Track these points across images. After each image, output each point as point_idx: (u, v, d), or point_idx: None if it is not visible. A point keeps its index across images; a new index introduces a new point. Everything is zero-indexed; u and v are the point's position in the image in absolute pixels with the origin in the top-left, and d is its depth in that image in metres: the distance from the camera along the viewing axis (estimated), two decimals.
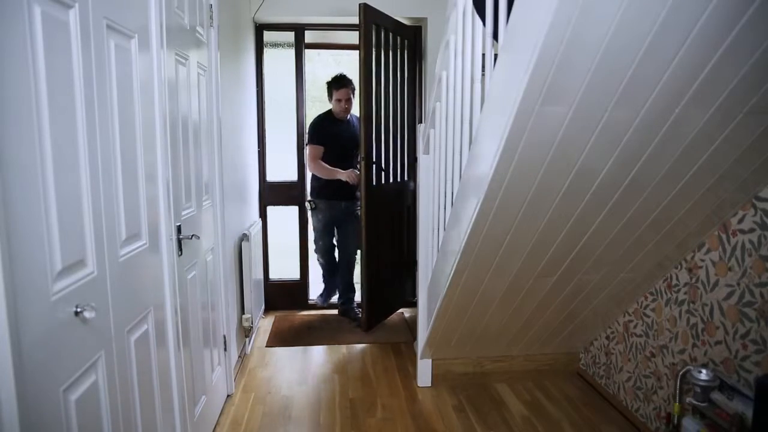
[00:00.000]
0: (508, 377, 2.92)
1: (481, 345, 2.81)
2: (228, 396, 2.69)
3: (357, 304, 3.89)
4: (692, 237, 2.05)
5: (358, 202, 3.77)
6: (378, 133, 3.40)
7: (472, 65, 1.98)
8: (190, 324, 2.01)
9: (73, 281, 1.15)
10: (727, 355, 1.91)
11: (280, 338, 3.52)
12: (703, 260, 2.05)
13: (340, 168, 3.64)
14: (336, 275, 3.92)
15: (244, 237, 3.21)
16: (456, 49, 2.10)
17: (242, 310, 3.21)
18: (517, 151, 1.61)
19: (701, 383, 1.84)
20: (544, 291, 2.41)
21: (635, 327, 2.49)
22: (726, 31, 1.29)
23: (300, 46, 3.91)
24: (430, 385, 2.86)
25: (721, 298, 1.95)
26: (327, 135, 3.66)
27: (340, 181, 3.63)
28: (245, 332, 3.24)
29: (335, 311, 3.97)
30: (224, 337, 2.60)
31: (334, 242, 3.89)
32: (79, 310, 1.14)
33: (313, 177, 3.76)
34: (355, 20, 3.24)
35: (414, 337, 3.29)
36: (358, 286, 4.00)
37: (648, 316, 2.40)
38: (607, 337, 2.73)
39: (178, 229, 1.87)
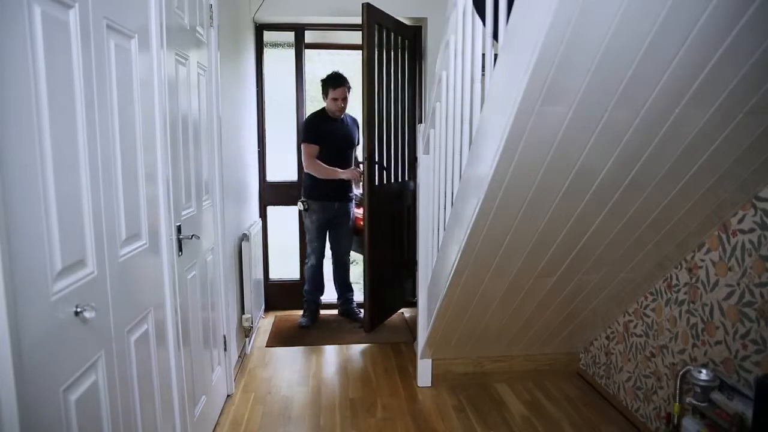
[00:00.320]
0: (508, 377, 2.92)
1: (481, 345, 2.81)
2: (228, 396, 2.69)
3: (357, 303, 3.89)
4: (692, 237, 2.05)
5: (351, 203, 3.77)
6: (379, 133, 3.39)
7: (472, 65, 1.98)
8: (190, 324, 2.01)
9: (73, 281, 1.15)
10: (727, 355, 1.91)
11: (280, 338, 3.52)
12: (703, 260, 2.05)
13: (335, 167, 3.56)
14: (320, 280, 3.82)
15: (244, 237, 3.21)
16: (456, 49, 2.10)
17: (242, 310, 3.21)
18: (517, 151, 1.61)
19: (701, 383, 1.84)
20: (544, 291, 2.41)
21: (635, 327, 2.49)
22: (726, 31, 1.29)
23: (300, 46, 3.91)
24: (430, 385, 2.86)
25: (721, 298, 1.95)
26: (322, 134, 3.56)
27: (333, 181, 3.55)
28: (245, 332, 3.24)
29: (335, 311, 3.96)
30: (224, 337, 2.60)
31: (328, 243, 3.83)
32: (79, 310, 1.14)
33: (306, 176, 3.64)
34: (355, 20, 3.24)
35: (414, 337, 3.29)
36: (355, 286, 4.01)
37: (648, 316, 2.40)
38: (607, 337, 2.73)
39: (178, 229, 1.87)
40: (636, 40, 1.30)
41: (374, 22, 3.21)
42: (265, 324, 3.77)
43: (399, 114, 3.62)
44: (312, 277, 3.77)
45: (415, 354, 3.01)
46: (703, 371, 1.85)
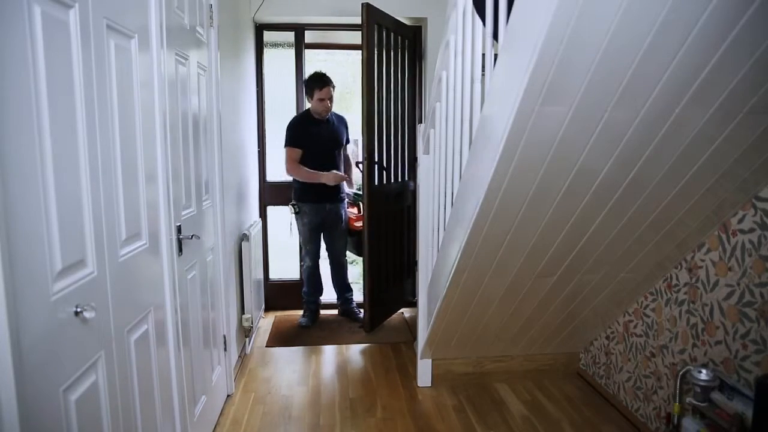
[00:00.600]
0: (508, 377, 2.92)
1: (481, 345, 2.81)
2: (228, 396, 2.69)
3: (357, 303, 3.89)
4: (692, 237, 2.05)
5: (343, 203, 3.76)
6: (379, 133, 3.39)
7: (472, 65, 1.98)
8: (190, 324, 2.01)
9: (73, 281, 1.15)
10: (727, 355, 1.91)
11: (280, 338, 3.52)
12: (703, 260, 2.05)
13: (322, 170, 3.51)
14: (317, 281, 3.82)
15: (244, 237, 3.21)
16: (456, 49, 2.10)
17: (242, 310, 3.21)
18: (517, 151, 1.61)
19: (701, 383, 1.83)
20: (544, 291, 2.41)
21: (635, 327, 2.49)
22: (726, 31, 1.29)
23: (300, 46, 3.91)
24: (430, 385, 2.86)
25: (721, 298, 1.95)
26: (306, 136, 3.52)
27: (323, 183, 3.53)
28: (245, 332, 3.24)
29: (335, 311, 3.96)
30: (224, 337, 2.60)
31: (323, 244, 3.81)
32: (79, 310, 1.14)
33: (295, 179, 3.61)
34: (355, 20, 3.24)
35: (414, 337, 3.29)
36: (355, 286, 4.00)
37: (648, 316, 2.40)
38: (607, 337, 2.73)
39: (178, 229, 1.87)
40: (636, 40, 1.30)
41: (374, 22, 3.21)
42: (265, 324, 3.77)
43: (399, 114, 3.62)
44: (309, 279, 3.77)
45: (415, 354, 3.01)
46: (703, 371, 1.85)
